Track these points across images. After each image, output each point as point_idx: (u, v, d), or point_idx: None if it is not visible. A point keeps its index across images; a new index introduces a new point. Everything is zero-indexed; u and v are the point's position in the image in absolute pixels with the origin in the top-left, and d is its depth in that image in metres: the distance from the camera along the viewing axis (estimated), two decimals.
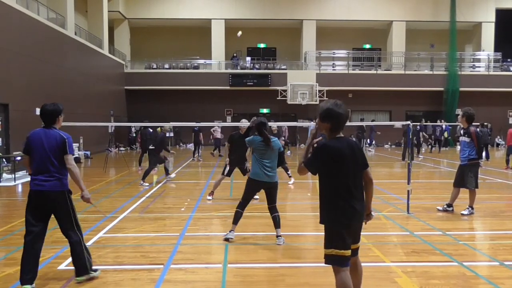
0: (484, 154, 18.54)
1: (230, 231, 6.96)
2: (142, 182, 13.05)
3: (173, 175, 14.42)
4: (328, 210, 3.99)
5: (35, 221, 5.01)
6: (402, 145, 18.51)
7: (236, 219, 6.93)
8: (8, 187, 13.15)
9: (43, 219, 5.07)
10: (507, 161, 17.39)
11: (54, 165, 5.00)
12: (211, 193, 10.50)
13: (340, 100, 4.11)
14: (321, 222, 4.07)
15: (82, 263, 5.10)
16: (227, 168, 10.29)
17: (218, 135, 22.35)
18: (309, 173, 4.09)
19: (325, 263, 4.01)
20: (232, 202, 10.13)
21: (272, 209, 6.90)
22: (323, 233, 4.08)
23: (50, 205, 5.03)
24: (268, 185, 6.83)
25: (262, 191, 7.00)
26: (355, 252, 4.11)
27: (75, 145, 20.98)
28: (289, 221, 8.62)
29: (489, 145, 21.78)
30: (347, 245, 3.92)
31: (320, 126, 4.11)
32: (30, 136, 5.15)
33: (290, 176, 13.19)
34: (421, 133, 22.94)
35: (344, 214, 3.92)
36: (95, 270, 5.28)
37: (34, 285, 4.92)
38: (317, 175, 4.06)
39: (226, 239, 6.88)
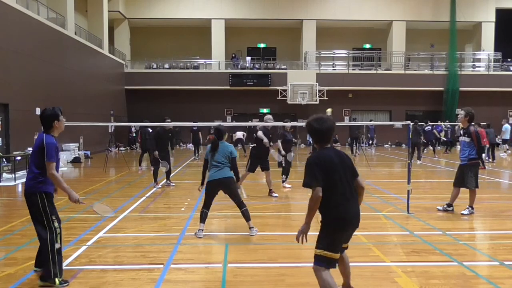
0: (484, 155, 18.43)
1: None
2: (155, 184, 12.44)
3: (159, 186, 12.49)
4: (326, 214, 4.08)
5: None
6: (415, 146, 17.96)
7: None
8: (8, 187, 13.15)
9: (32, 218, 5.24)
10: (482, 162, 16.94)
11: (32, 168, 5.14)
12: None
13: (325, 115, 4.28)
14: (308, 224, 4.11)
15: (47, 268, 5.05)
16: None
17: (241, 135, 22.62)
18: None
19: (314, 262, 4.08)
20: (233, 202, 10.13)
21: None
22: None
23: (28, 204, 5.16)
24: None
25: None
26: (344, 249, 4.32)
27: (75, 145, 21.00)
28: (289, 221, 8.63)
29: (494, 146, 21.64)
30: (338, 249, 4.09)
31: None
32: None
33: (283, 181, 12.71)
34: (435, 133, 23.04)
35: (340, 219, 4.04)
36: (63, 283, 5.08)
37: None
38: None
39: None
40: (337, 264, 4.19)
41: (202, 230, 7.20)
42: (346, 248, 4.38)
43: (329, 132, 4.18)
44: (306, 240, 4.06)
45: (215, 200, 8.30)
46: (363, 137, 27.68)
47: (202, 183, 7.59)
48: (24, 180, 13.93)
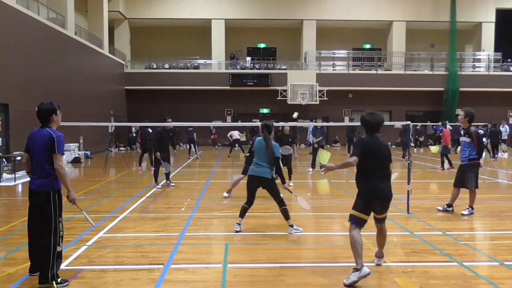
0: (484, 154, 18.40)
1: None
2: (156, 185, 12.41)
3: (159, 186, 12.44)
4: (362, 184, 5.31)
5: (30, 219, 5.18)
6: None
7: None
8: (8, 187, 13.15)
9: (37, 218, 5.12)
10: (442, 163, 16.85)
11: (43, 165, 5.05)
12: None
13: (375, 110, 5.62)
14: (336, 167, 5.49)
15: (45, 270, 4.99)
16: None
17: (237, 135, 22.74)
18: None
19: (349, 220, 5.29)
20: (233, 202, 10.15)
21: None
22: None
23: (37, 203, 5.09)
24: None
25: (266, 191, 7.26)
26: (381, 220, 5.50)
27: (75, 145, 21.00)
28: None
29: (498, 145, 21.72)
30: (368, 212, 5.26)
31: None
32: (29, 135, 5.26)
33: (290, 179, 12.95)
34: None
35: (371, 191, 5.22)
36: (63, 282, 5.06)
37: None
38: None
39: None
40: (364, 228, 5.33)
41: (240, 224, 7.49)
42: (384, 218, 5.49)
43: (378, 125, 5.38)
44: (325, 172, 5.78)
45: (215, 200, 8.43)
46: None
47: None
48: (24, 180, 13.99)
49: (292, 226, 7.38)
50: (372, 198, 5.24)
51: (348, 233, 5.32)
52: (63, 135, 5.16)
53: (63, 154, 5.15)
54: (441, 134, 18.31)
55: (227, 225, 8.22)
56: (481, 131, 9.13)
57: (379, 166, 5.28)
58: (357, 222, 5.19)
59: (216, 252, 6.57)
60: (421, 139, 29.85)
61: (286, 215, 7.40)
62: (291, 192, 8.08)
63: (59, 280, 5.02)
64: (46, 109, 5.19)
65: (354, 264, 5.17)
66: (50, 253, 4.98)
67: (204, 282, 5.30)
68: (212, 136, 30.43)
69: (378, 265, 5.73)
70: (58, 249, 5.05)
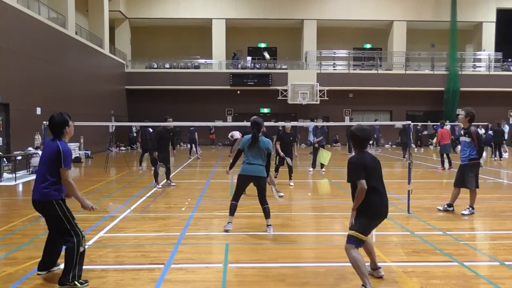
0: (484, 153, 18.44)
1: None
2: (156, 184, 12.38)
3: (160, 186, 12.38)
4: (364, 204, 4.89)
5: (48, 225, 5.32)
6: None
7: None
8: (9, 186, 13.15)
9: (52, 226, 5.24)
10: (442, 162, 16.86)
11: (46, 176, 5.02)
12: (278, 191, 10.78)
13: (365, 125, 5.29)
14: (355, 210, 4.97)
15: (67, 271, 5.00)
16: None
17: (238, 135, 22.70)
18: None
19: (347, 241, 4.90)
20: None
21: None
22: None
23: (44, 214, 5.18)
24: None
25: (267, 191, 7.29)
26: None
27: (75, 145, 21.01)
28: (290, 221, 8.62)
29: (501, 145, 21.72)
30: (367, 233, 5.00)
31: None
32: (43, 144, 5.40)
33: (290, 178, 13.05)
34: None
35: (374, 210, 4.94)
36: (84, 283, 5.06)
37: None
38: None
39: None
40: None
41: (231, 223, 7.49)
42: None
43: (368, 140, 5.15)
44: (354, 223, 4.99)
45: (215, 200, 8.44)
46: None
47: (231, 168, 7.78)
48: (24, 180, 14.01)
49: (270, 225, 7.41)
50: (374, 218, 4.99)
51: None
52: (71, 150, 5.14)
53: (70, 168, 5.08)
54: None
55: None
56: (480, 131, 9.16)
57: (380, 181, 5.04)
58: (357, 243, 4.89)
59: (217, 252, 6.57)
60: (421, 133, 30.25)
61: (267, 214, 7.44)
62: (274, 189, 8.07)
63: (81, 280, 5.05)
64: (58, 121, 5.13)
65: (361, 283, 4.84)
66: (74, 253, 5.00)
67: (204, 282, 5.30)
68: (211, 135, 30.41)
69: (379, 277, 5.35)
70: (81, 249, 5.06)
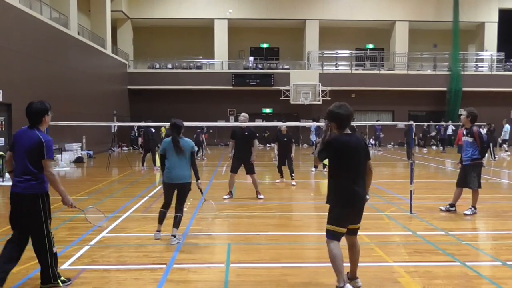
0: (486, 153, 18.44)
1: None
2: (157, 168, 12.34)
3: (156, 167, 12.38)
4: (333, 192, 4.75)
5: (15, 224, 4.94)
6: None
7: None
8: (9, 186, 13.14)
9: (20, 224, 4.91)
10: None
11: (29, 168, 4.79)
12: (229, 193, 10.80)
13: (344, 102, 4.83)
14: (327, 202, 4.86)
15: (46, 273, 4.92)
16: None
17: None
18: (314, 170, 4.47)
19: (326, 235, 4.78)
20: (235, 202, 10.17)
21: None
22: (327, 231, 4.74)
23: (24, 207, 4.84)
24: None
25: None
26: (355, 231, 4.88)
27: (77, 145, 21.01)
28: (292, 221, 8.63)
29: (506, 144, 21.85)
30: (344, 225, 4.71)
31: (330, 126, 4.83)
32: (15, 134, 5.03)
33: (292, 178, 13.11)
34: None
35: (346, 197, 4.69)
36: (66, 281, 5.02)
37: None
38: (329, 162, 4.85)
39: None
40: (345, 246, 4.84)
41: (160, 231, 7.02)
42: (358, 229, 4.90)
43: (350, 118, 4.71)
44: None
45: (217, 200, 8.40)
46: (365, 137, 27.65)
47: (163, 171, 7.14)
48: None
49: (175, 236, 6.83)
50: (347, 207, 4.72)
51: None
52: (52, 139, 4.90)
53: (53, 159, 4.87)
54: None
55: (229, 225, 8.23)
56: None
57: (355, 167, 4.70)
58: (334, 236, 4.69)
59: (219, 252, 6.57)
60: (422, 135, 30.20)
61: (176, 223, 6.87)
62: (202, 193, 7.46)
63: (61, 278, 5.01)
64: (38, 109, 4.91)
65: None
66: (47, 256, 4.87)
67: (206, 282, 5.30)
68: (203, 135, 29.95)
69: None
70: (54, 249, 4.94)
